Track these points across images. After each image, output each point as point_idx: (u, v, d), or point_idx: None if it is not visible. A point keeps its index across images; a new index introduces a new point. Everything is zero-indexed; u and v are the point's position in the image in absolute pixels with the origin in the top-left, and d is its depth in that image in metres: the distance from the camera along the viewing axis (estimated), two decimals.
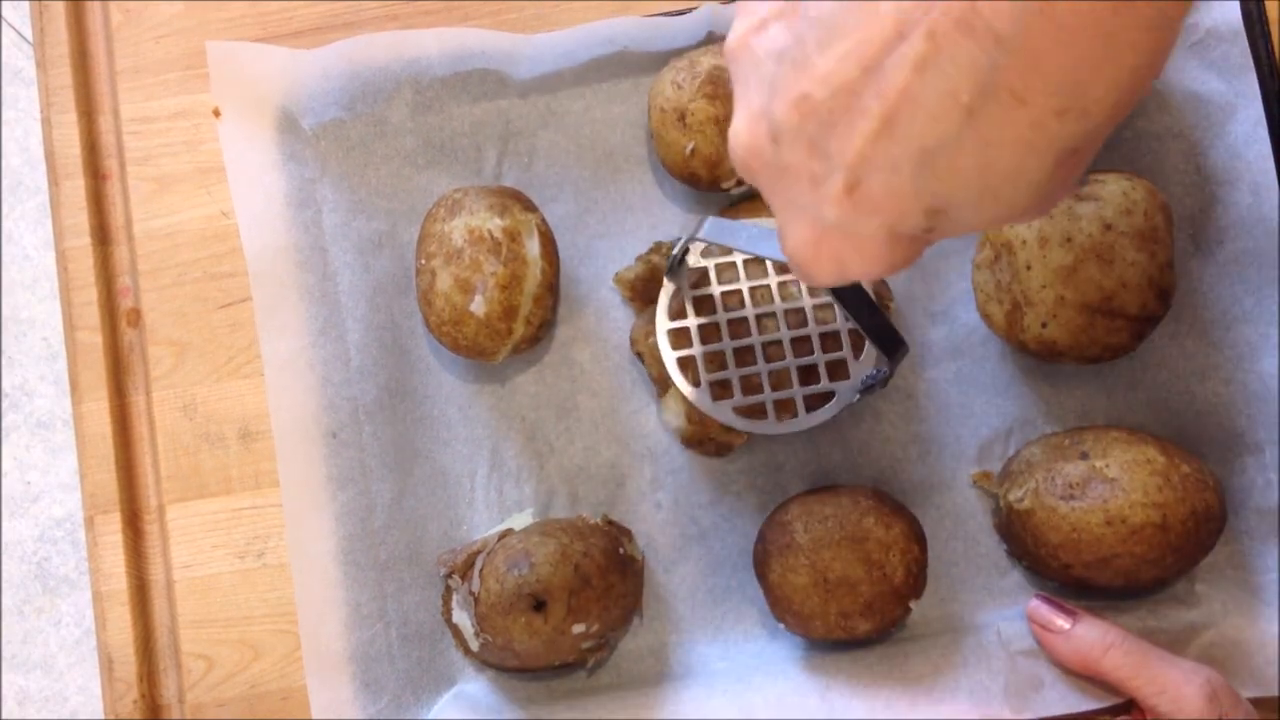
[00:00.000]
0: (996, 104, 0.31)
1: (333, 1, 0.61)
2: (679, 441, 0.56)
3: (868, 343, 0.55)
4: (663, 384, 0.57)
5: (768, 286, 0.56)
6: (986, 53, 0.30)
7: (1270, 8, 0.57)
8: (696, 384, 0.55)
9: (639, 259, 0.57)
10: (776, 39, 0.34)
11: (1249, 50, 0.57)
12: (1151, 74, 0.31)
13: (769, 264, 0.56)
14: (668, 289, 0.56)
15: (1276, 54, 0.57)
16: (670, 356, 0.55)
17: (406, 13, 0.61)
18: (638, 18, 0.58)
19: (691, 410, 0.55)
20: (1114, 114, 0.32)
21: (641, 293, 0.58)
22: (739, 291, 0.56)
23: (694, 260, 0.56)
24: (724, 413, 0.55)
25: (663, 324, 0.55)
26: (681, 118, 0.55)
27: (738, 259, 0.56)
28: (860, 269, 0.36)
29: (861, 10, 0.31)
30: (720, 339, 0.55)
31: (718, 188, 0.57)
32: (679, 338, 0.55)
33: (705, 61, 0.55)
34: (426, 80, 0.59)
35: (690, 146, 0.55)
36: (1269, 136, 0.57)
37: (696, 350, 0.55)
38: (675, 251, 0.55)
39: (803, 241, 0.37)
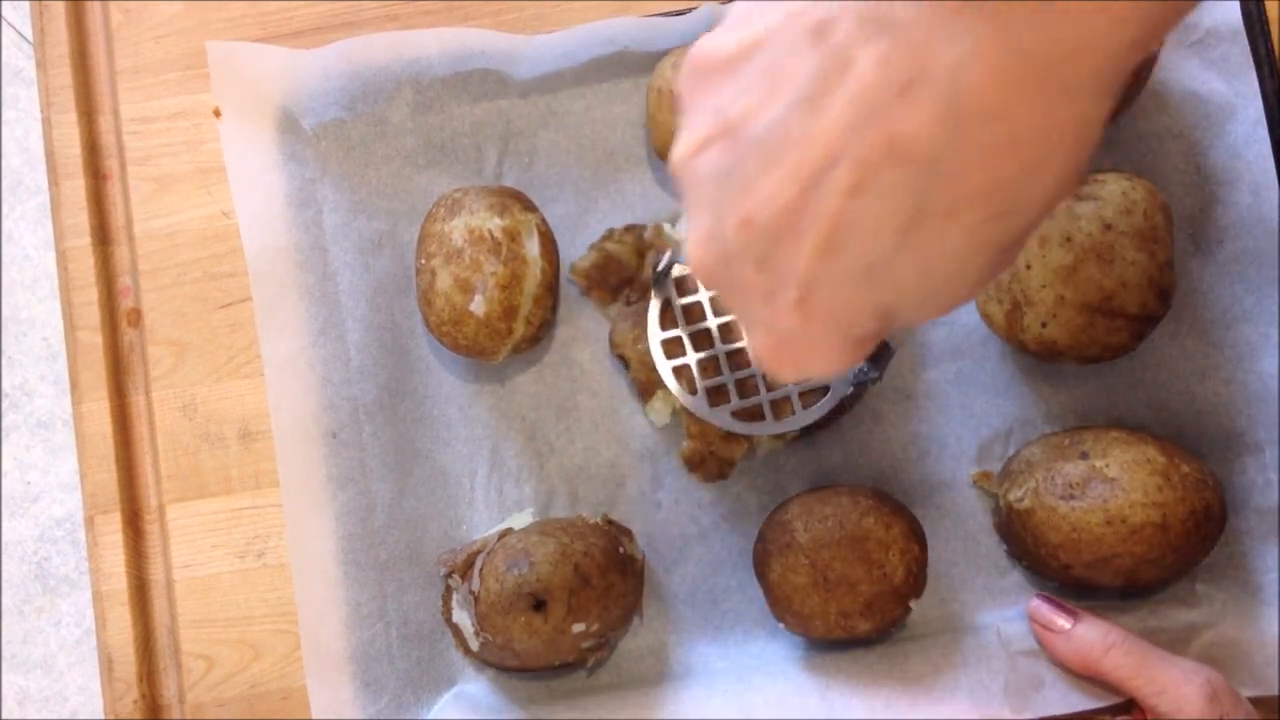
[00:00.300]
0: (929, 220, 0.31)
1: (333, 1, 0.61)
2: (682, 465, 0.56)
3: None
4: (647, 388, 0.57)
5: None
6: (914, 177, 0.31)
7: (1270, 8, 0.57)
8: (693, 392, 0.55)
9: (592, 247, 0.57)
10: (717, 161, 0.35)
11: (1249, 50, 0.57)
12: (1080, 169, 0.32)
13: None
14: (656, 299, 0.56)
15: (1276, 54, 0.57)
16: (665, 366, 0.55)
17: (406, 13, 0.61)
18: (638, 18, 0.58)
19: (691, 423, 0.55)
20: (1046, 209, 0.33)
21: (599, 281, 0.57)
22: None
23: (679, 269, 0.56)
24: (722, 418, 0.55)
25: (655, 334, 0.55)
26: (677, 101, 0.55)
27: None
28: (820, 369, 0.38)
29: (795, 135, 0.32)
30: (712, 345, 0.55)
31: None
32: (671, 347, 0.55)
33: None
34: (427, 80, 0.59)
35: None
36: (1269, 136, 0.57)
37: (690, 358, 0.55)
38: (662, 264, 0.55)
39: (764, 348, 0.38)
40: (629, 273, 0.58)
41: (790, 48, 0.32)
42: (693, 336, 0.55)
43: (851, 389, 0.55)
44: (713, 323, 0.56)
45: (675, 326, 0.56)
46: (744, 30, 0.34)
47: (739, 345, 0.55)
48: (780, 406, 0.55)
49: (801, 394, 0.55)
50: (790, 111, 0.32)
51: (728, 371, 0.55)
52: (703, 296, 0.56)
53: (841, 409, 0.56)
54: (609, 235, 0.57)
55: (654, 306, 0.56)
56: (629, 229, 0.58)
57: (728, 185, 0.34)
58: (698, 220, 0.36)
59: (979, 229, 0.32)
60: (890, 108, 0.30)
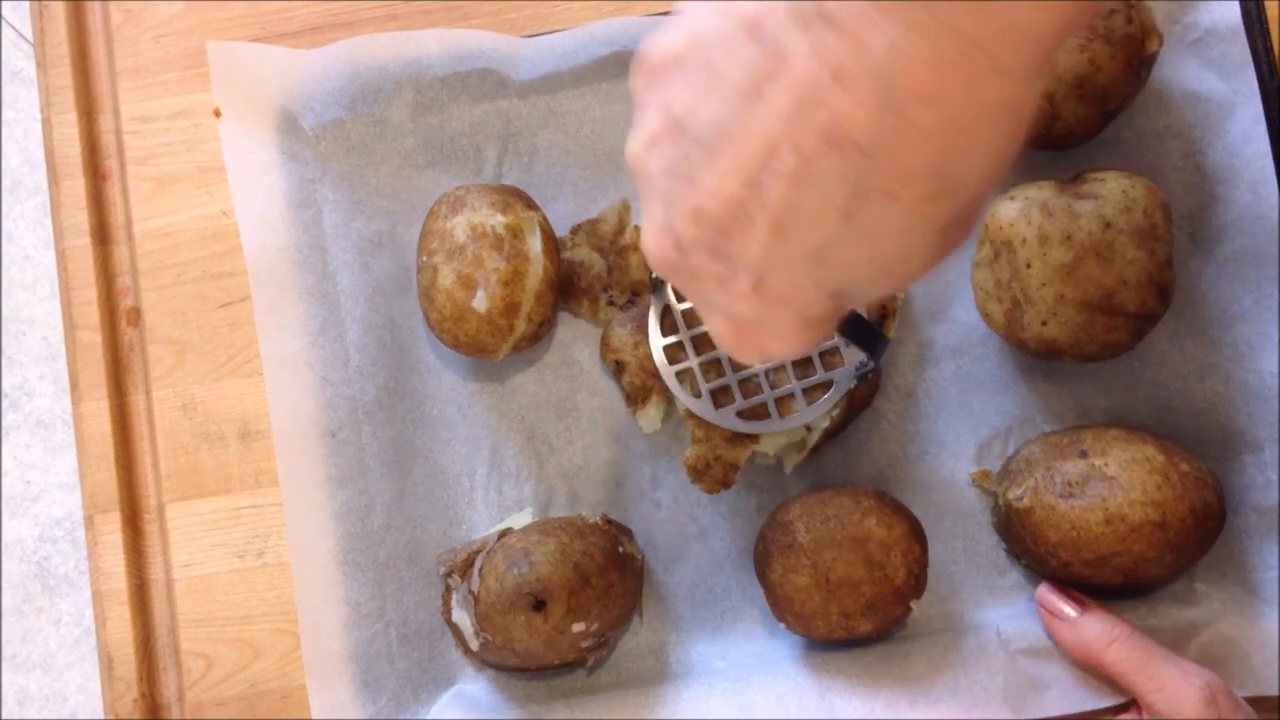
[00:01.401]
0: (870, 203, 0.32)
1: (332, 1, 0.61)
2: (687, 475, 0.56)
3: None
4: (642, 393, 0.57)
5: None
6: (852, 161, 0.32)
7: (1270, 7, 0.57)
8: (697, 395, 0.55)
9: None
10: (665, 156, 0.36)
11: (1248, 49, 0.57)
12: (1014, 147, 0.33)
13: None
14: (655, 305, 0.56)
15: (1276, 52, 0.57)
16: (669, 371, 0.55)
17: (406, 12, 0.61)
18: (637, 18, 0.58)
19: (696, 427, 0.55)
20: (986, 185, 0.34)
21: (571, 293, 0.58)
22: None
23: None
24: (729, 419, 0.55)
25: (656, 340, 0.55)
26: None
27: None
28: (780, 351, 0.39)
29: (735, 128, 0.33)
30: (714, 347, 0.55)
31: None
32: (672, 352, 0.55)
33: None
34: (427, 80, 0.59)
35: None
36: (1268, 135, 0.57)
37: (693, 362, 0.55)
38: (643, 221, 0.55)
39: (723, 335, 0.39)
40: (596, 270, 0.58)
41: (726, 43, 0.33)
42: (693, 340, 0.55)
43: (854, 382, 0.55)
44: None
45: (675, 331, 0.56)
46: (685, 27, 0.35)
47: None
48: (785, 404, 0.55)
49: (806, 391, 0.55)
50: (728, 105, 0.33)
51: (730, 372, 0.55)
52: None
53: (855, 409, 0.56)
54: (561, 244, 0.57)
55: (653, 313, 0.56)
56: (576, 229, 0.58)
57: (676, 178, 0.35)
58: (651, 213, 0.38)
59: (919, 208, 0.33)
60: (825, 96, 0.31)
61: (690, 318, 0.56)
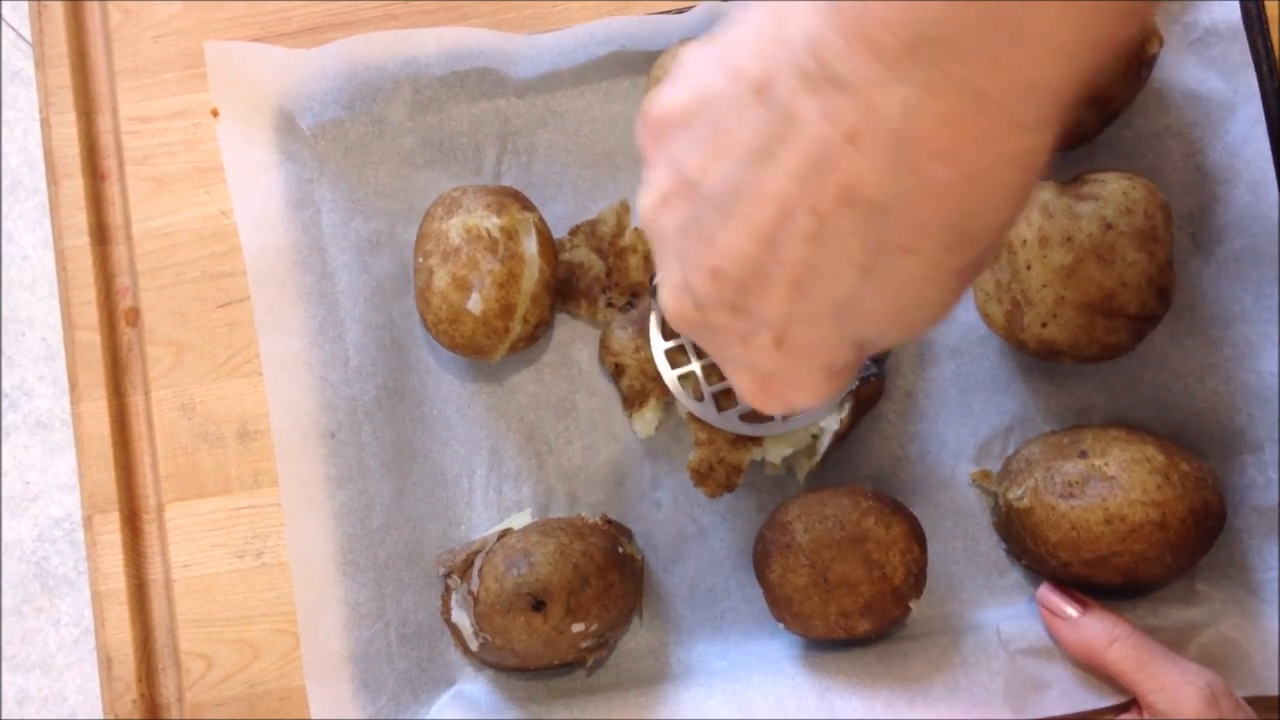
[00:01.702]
0: (889, 257, 0.33)
1: (331, 1, 0.61)
2: (690, 478, 0.56)
3: None
4: (640, 397, 0.57)
5: None
6: (870, 219, 0.32)
7: (1270, 7, 0.57)
8: (699, 398, 0.55)
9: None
10: (679, 215, 0.36)
11: (1248, 48, 0.57)
12: (1027, 193, 0.33)
13: None
14: (656, 310, 0.55)
15: (1276, 52, 0.57)
16: (671, 376, 0.55)
17: (405, 12, 0.61)
18: (636, 17, 0.58)
19: (699, 430, 0.55)
20: (1000, 234, 0.34)
21: (570, 294, 0.58)
22: None
23: None
24: (731, 422, 0.54)
25: (658, 344, 0.55)
26: None
27: None
28: (804, 401, 0.39)
29: (749, 190, 0.33)
30: None
31: None
32: (673, 356, 0.55)
33: None
34: (425, 79, 0.59)
35: None
36: (1268, 134, 0.57)
37: (695, 365, 0.55)
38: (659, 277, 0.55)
39: (746, 388, 0.40)
40: (595, 271, 0.57)
41: (734, 105, 0.33)
42: (694, 344, 0.55)
43: (856, 383, 0.55)
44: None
45: (676, 335, 0.55)
46: (689, 85, 0.35)
47: None
48: None
49: None
50: (740, 168, 0.33)
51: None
52: None
53: (861, 410, 0.56)
54: (560, 246, 0.57)
55: (654, 317, 0.56)
56: (575, 230, 0.58)
57: (691, 238, 0.36)
58: (668, 271, 0.38)
59: (938, 259, 0.33)
60: (838, 157, 0.31)
61: None
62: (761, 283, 0.34)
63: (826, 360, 0.37)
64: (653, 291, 0.56)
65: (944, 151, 0.30)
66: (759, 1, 0.34)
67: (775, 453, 0.56)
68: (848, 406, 0.55)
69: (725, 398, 0.55)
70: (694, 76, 0.35)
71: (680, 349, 0.55)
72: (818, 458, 0.56)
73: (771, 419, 0.55)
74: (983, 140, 0.30)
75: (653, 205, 0.37)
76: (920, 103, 0.30)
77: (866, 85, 0.30)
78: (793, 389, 0.39)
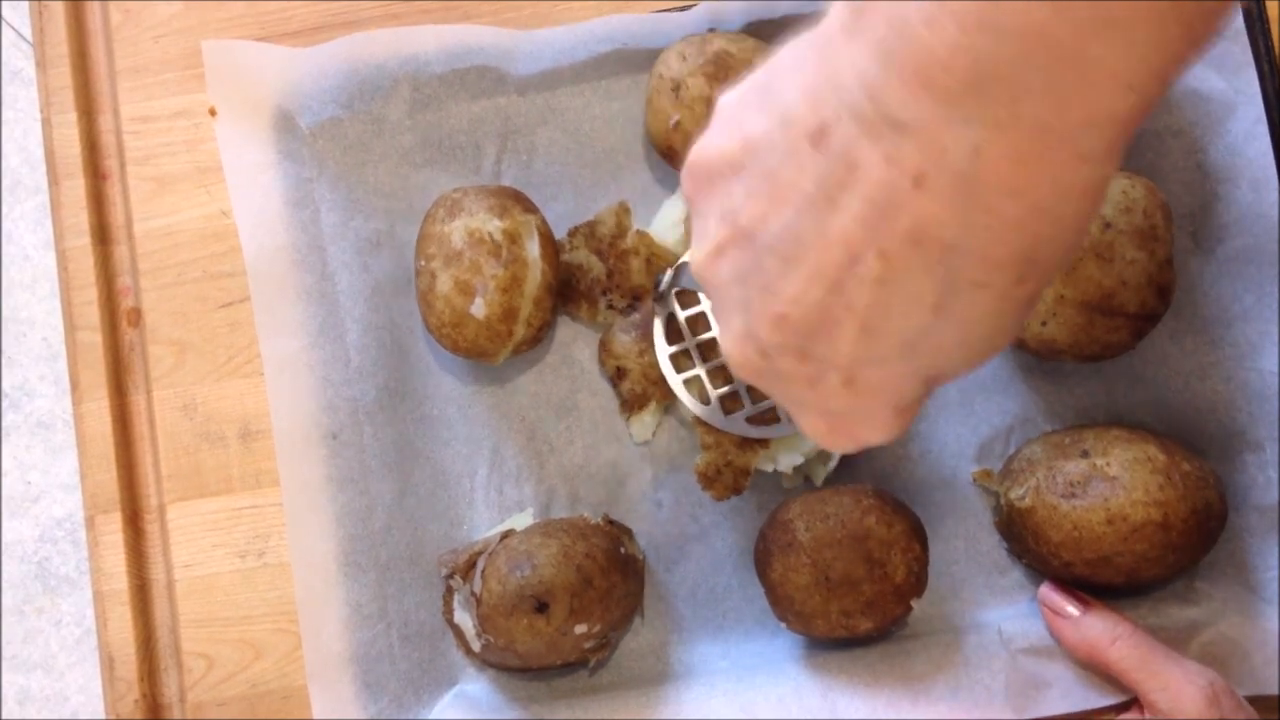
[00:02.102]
0: (960, 294, 0.33)
1: (332, 1, 0.61)
2: (698, 482, 0.56)
3: None
4: (640, 400, 0.57)
5: None
6: (940, 259, 0.32)
7: (1270, 6, 0.57)
8: (705, 402, 0.55)
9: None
10: (736, 265, 0.36)
11: (1249, 48, 0.57)
12: (1091, 218, 0.33)
13: None
14: (660, 314, 0.55)
15: (1276, 51, 0.57)
16: (676, 380, 0.55)
17: (405, 12, 0.61)
18: (637, 15, 0.58)
19: (706, 434, 0.55)
20: (1067, 261, 0.35)
21: (571, 296, 0.57)
22: None
23: (686, 281, 0.56)
24: (738, 425, 0.54)
25: (663, 349, 0.55)
26: (676, 88, 0.55)
27: None
28: (876, 439, 0.39)
29: (811, 237, 0.33)
30: (719, 354, 0.55)
31: None
32: (678, 360, 0.55)
33: (717, 43, 0.55)
34: (425, 78, 0.59)
35: (675, 119, 0.55)
36: (1269, 134, 0.57)
37: (700, 369, 0.55)
38: (664, 284, 0.54)
39: (817, 431, 0.39)
40: (594, 273, 0.57)
41: (790, 153, 0.33)
42: (699, 347, 0.55)
43: None
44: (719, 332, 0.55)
45: (680, 339, 0.55)
46: (737, 132, 0.35)
47: None
48: None
49: None
50: (802, 215, 0.33)
51: (739, 378, 0.55)
52: (706, 307, 0.55)
53: None
54: (560, 247, 0.57)
55: (658, 322, 0.55)
56: (574, 231, 0.58)
57: (752, 287, 0.35)
58: (728, 321, 0.38)
59: (1010, 292, 0.33)
60: (906, 201, 0.31)
61: (695, 325, 0.55)
62: (829, 328, 0.34)
63: (897, 397, 0.37)
64: (656, 297, 0.55)
65: (1013, 189, 0.30)
66: (796, 40, 0.34)
67: (786, 462, 0.56)
68: None
69: (732, 401, 0.55)
70: (740, 122, 0.35)
71: (685, 353, 0.55)
72: (834, 462, 0.56)
73: (778, 420, 0.55)
74: (1051, 175, 0.30)
75: (707, 256, 0.37)
76: (988, 142, 0.30)
77: (929, 127, 0.30)
78: (863, 427, 0.38)
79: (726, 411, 0.55)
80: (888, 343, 0.34)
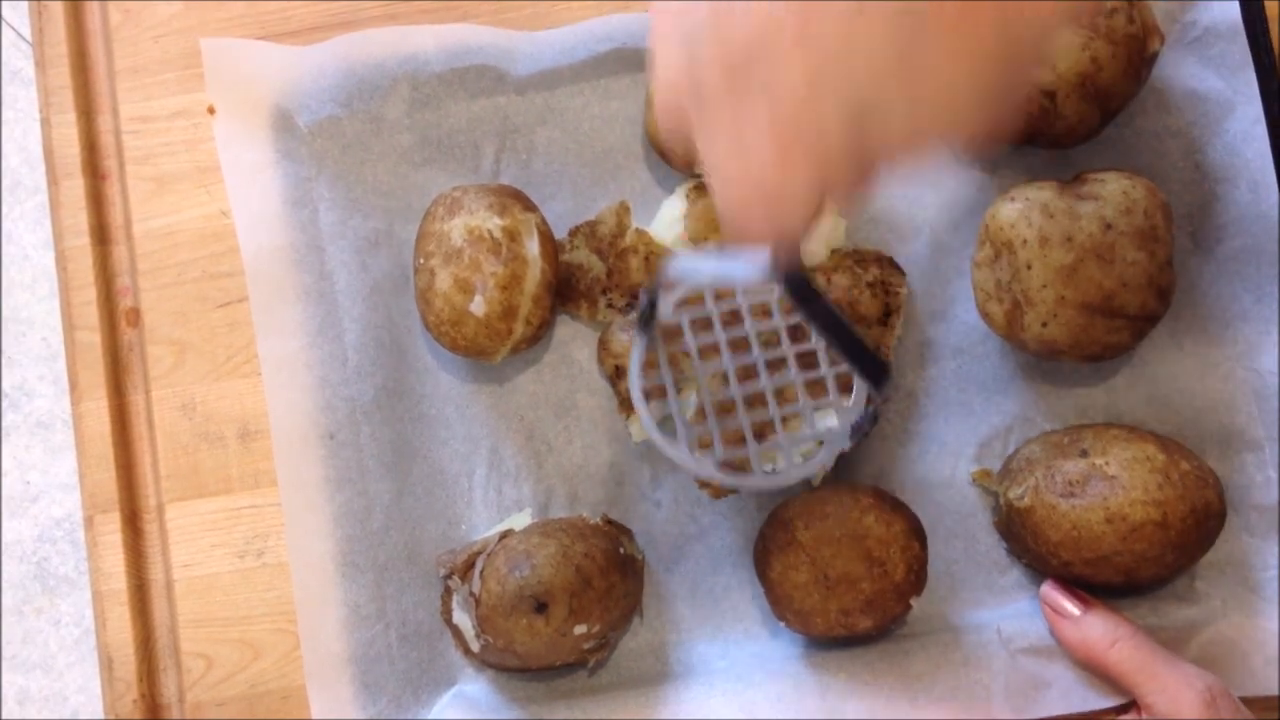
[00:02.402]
0: (928, 41, 0.32)
1: (331, 1, 0.61)
2: (695, 482, 0.55)
3: (855, 384, 0.53)
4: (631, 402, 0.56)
5: (745, 336, 0.53)
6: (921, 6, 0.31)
7: (1270, 6, 0.57)
8: (676, 439, 0.52)
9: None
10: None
11: (1248, 48, 0.57)
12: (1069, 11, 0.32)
13: (745, 313, 0.54)
14: (639, 343, 0.53)
15: (1276, 51, 0.57)
16: (646, 414, 0.52)
17: (405, 11, 0.61)
18: (636, 15, 0.58)
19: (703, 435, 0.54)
20: (1038, 46, 0.33)
21: (570, 295, 0.57)
22: (716, 343, 0.53)
23: (667, 314, 0.53)
24: (706, 468, 0.51)
25: (636, 381, 0.52)
26: None
27: (712, 312, 0.53)
28: (789, 210, 0.36)
29: None
30: (695, 388, 0.53)
31: (691, 170, 0.57)
32: (655, 392, 0.53)
33: None
34: (424, 77, 0.59)
35: None
36: (1268, 134, 0.57)
37: (674, 406, 0.52)
38: (643, 303, 0.52)
39: (732, 194, 0.37)
40: (594, 272, 0.57)
41: None
42: (678, 383, 0.53)
43: (848, 444, 0.53)
44: (699, 370, 0.53)
45: (656, 368, 0.53)
46: None
47: (729, 394, 0.53)
48: (770, 455, 0.52)
49: (795, 444, 0.53)
50: None
51: (714, 421, 0.52)
52: (690, 343, 0.53)
53: (859, 429, 0.53)
54: (559, 247, 0.57)
55: (635, 354, 0.53)
56: (574, 231, 0.57)
57: (704, 12, 0.34)
58: (666, 51, 0.36)
59: (980, 51, 0.32)
60: None
61: (675, 361, 0.53)
62: (775, 50, 0.33)
63: (823, 150, 0.34)
64: (639, 322, 0.53)
65: None
66: None
67: (785, 463, 0.54)
68: (832, 462, 0.53)
69: (705, 443, 0.52)
70: None
71: (661, 387, 0.53)
72: (831, 462, 0.56)
73: (751, 472, 0.52)
74: None
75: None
76: None
77: None
78: (781, 190, 0.36)
79: (699, 448, 0.52)
80: (833, 81, 0.33)
